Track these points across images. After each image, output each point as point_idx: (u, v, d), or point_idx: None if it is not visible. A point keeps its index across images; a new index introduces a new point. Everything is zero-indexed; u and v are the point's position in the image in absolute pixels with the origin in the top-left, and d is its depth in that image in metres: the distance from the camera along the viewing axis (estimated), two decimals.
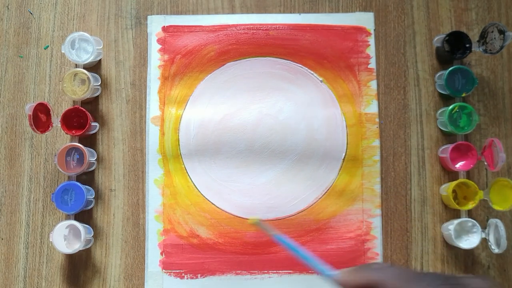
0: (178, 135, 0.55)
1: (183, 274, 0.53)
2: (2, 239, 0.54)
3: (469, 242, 0.52)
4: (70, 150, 0.53)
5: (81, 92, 0.53)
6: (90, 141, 0.56)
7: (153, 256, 0.54)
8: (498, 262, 0.54)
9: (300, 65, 0.56)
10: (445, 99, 0.56)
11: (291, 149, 0.55)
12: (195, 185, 0.55)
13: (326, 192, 0.54)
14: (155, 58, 0.57)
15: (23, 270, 0.54)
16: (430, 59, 0.57)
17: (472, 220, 0.52)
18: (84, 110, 0.54)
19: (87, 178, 0.55)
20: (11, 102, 0.56)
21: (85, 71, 0.54)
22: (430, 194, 0.55)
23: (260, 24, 0.57)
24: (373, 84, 0.56)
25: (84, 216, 0.54)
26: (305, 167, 0.55)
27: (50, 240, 0.51)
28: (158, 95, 0.56)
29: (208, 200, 0.54)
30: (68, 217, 0.53)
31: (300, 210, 0.54)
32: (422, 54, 0.57)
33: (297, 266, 0.53)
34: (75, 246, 0.51)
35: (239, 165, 0.55)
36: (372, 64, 0.56)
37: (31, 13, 0.58)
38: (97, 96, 0.56)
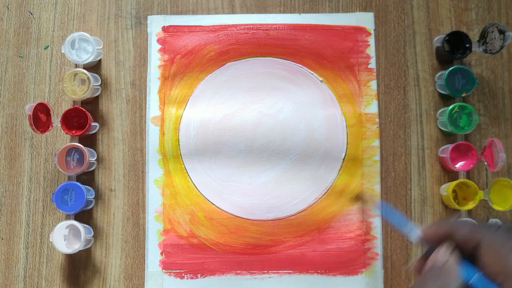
0: (178, 135, 0.55)
1: (183, 274, 0.53)
2: (2, 239, 0.54)
3: None
4: (70, 150, 0.53)
5: (81, 92, 0.53)
6: (90, 141, 0.56)
7: (153, 256, 0.54)
8: None
9: (300, 65, 0.56)
10: (445, 99, 0.56)
11: (291, 149, 0.55)
12: (195, 185, 0.55)
13: (326, 192, 0.54)
14: (155, 58, 0.56)
15: (23, 270, 0.54)
16: (430, 59, 0.57)
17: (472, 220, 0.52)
18: (84, 110, 0.54)
19: (87, 178, 0.55)
20: (11, 102, 0.57)
21: (85, 71, 0.54)
22: (430, 194, 0.55)
23: (260, 24, 0.57)
24: (373, 84, 0.56)
25: (84, 216, 0.54)
26: (305, 167, 0.55)
27: (50, 240, 0.51)
28: (158, 95, 0.56)
29: (208, 200, 0.54)
30: (68, 217, 0.53)
31: (300, 210, 0.54)
32: (422, 54, 0.57)
33: (297, 266, 0.53)
34: (75, 246, 0.51)
35: (239, 165, 0.55)
36: (372, 64, 0.56)
37: (31, 13, 0.58)
38: (97, 96, 0.56)
